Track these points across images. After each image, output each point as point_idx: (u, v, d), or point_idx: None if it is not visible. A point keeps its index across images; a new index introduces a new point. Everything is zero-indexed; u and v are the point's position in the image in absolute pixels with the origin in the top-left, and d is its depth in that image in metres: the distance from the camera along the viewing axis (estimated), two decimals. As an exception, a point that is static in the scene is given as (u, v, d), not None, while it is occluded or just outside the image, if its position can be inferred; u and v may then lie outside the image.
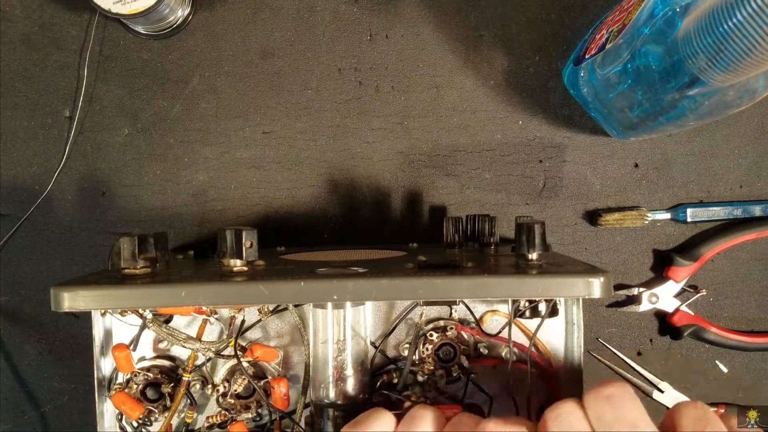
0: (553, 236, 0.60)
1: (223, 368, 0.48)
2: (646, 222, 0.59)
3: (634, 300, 0.60)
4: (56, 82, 0.59)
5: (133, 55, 0.59)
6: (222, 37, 0.59)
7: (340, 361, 0.45)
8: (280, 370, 0.48)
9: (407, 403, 0.45)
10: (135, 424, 0.47)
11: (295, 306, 0.47)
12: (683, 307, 0.60)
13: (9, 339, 0.59)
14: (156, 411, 0.46)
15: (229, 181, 0.60)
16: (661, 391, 0.59)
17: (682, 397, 0.59)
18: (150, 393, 0.47)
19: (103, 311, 0.46)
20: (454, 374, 0.47)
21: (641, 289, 0.60)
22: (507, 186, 0.60)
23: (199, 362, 0.47)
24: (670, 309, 0.60)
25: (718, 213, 0.59)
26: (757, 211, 0.59)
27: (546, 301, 0.45)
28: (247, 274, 0.40)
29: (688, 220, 0.59)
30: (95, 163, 0.59)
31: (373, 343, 0.48)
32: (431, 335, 0.47)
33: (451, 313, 0.49)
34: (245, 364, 0.46)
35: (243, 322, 0.47)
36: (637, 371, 0.59)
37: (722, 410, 0.59)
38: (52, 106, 0.59)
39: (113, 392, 0.45)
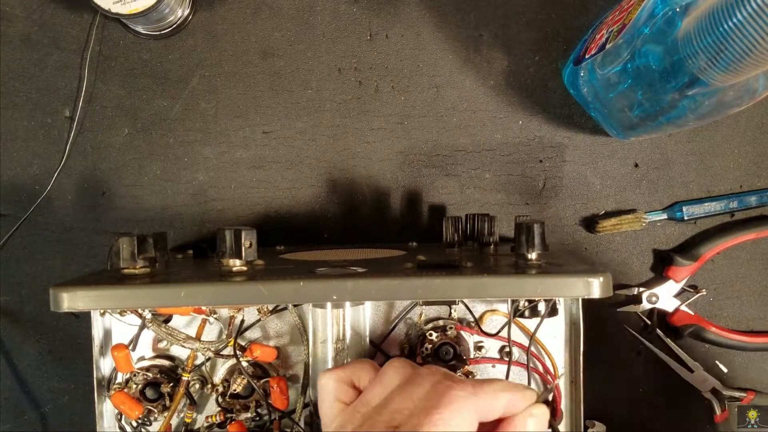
0: (553, 236, 0.60)
1: (222, 368, 0.48)
2: (644, 225, 0.59)
3: (634, 300, 0.60)
4: (56, 82, 0.59)
5: (133, 55, 0.59)
6: (222, 37, 0.59)
7: (339, 360, 0.45)
8: (280, 370, 0.48)
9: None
10: (134, 424, 0.47)
11: (295, 306, 0.47)
12: (683, 307, 0.60)
13: (9, 339, 0.59)
14: (155, 411, 0.46)
15: (229, 181, 0.60)
16: (691, 371, 0.59)
17: (711, 379, 0.59)
18: (149, 393, 0.47)
19: (102, 311, 0.46)
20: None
21: (641, 289, 0.60)
22: (507, 186, 0.60)
23: (198, 362, 0.47)
24: (670, 309, 0.60)
25: (715, 207, 0.59)
26: (753, 201, 0.59)
27: (545, 300, 0.45)
28: (246, 274, 0.40)
29: (685, 218, 0.59)
30: (95, 163, 0.59)
31: (372, 343, 0.48)
32: (431, 335, 0.47)
33: (450, 313, 0.49)
34: (244, 364, 0.46)
35: (242, 321, 0.47)
36: (670, 348, 0.60)
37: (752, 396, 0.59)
38: (52, 106, 0.59)
39: (113, 392, 0.46)
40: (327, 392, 0.38)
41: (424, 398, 0.34)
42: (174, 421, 0.47)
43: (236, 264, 0.40)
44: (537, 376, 0.48)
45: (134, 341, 0.47)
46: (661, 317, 0.60)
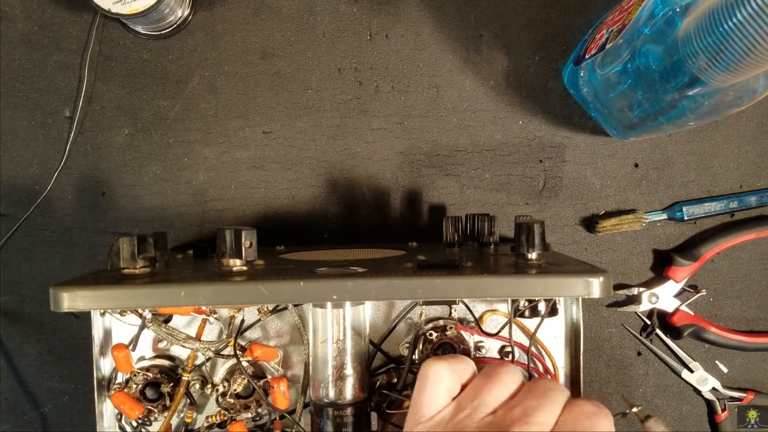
0: (553, 236, 0.60)
1: (222, 368, 0.48)
2: (644, 225, 0.59)
3: (634, 300, 0.60)
4: (56, 82, 0.59)
5: (133, 55, 0.59)
6: (222, 37, 0.59)
7: (339, 360, 0.45)
8: (280, 370, 0.48)
9: (406, 403, 0.45)
10: (134, 424, 0.47)
11: (295, 306, 0.47)
12: (683, 307, 0.60)
13: (9, 339, 0.59)
14: (155, 411, 0.46)
15: (229, 181, 0.60)
16: (691, 371, 0.60)
17: (711, 379, 0.60)
18: (149, 393, 0.47)
19: (102, 311, 0.46)
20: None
21: (641, 289, 0.60)
22: (507, 186, 0.60)
23: (198, 362, 0.47)
24: (670, 309, 0.60)
25: (715, 207, 0.59)
26: (753, 201, 0.59)
27: (545, 300, 0.45)
28: (246, 274, 0.39)
29: (685, 218, 0.59)
30: (95, 163, 0.59)
31: (372, 343, 0.48)
32: (431, 335, 0.47)
33: (450, 313, 0.49)
34: (245, 364, 0.46)
35: (242, 321, 0.47)
36: (670, 349, 0.60)
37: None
38: (52, 106, 0.59)
39: (113, 392, 0.45)
40: (438, 381, 0.38)
41: (570, 419, 0.35)
42: (174, 421, 0.47)
43: (236, 264, 0.40)
44: (537, 377, 0.48)
45: (134, 341, 0.47)
46: (661, 317, 0.60)
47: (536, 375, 0.48)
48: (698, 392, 0.60)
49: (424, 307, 0.48)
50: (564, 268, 0.40)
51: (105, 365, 0.47)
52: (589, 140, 0.60)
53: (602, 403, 0.37)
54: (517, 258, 0.43)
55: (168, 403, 0.46)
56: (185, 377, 0.46)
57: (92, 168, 0.59)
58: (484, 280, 0.38)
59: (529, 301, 0.46)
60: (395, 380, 0.47)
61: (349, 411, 0.44)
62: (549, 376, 0.48)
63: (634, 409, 0.42)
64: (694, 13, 0.38)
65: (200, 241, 0.59)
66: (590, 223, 0.60)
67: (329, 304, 0.45)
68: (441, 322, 0.48)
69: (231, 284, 0.38)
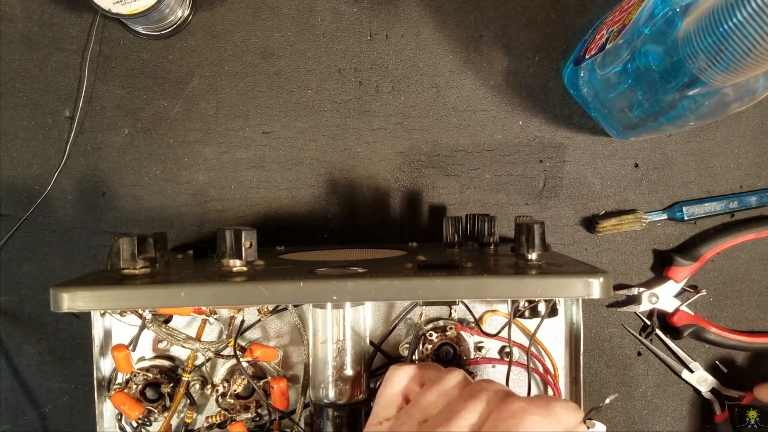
0: (553, 236, 0.60)
1: (222, 368, 0.48)
2: (644, 225, 0.59)
3: (634, 300, 0.60)
4: (56, 82, 0.59)
5: (133, 55, 0.59)
6: (222, 37, 0.59)
7: (339, 361, 0.45)
8: (280, 370, 0.48)
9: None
10: (134, 424, 0.47)
11: (295, 306, 0.47)
12: (683, 307, 0.60)
13: (9, 339, 0.59)
14: (155, 411, 0.46)
15: (229, 181, 0.60)
16: (691, 371, 0.60)
17: (711, 379, 0.60)
18: (149, 393, 0.47)
19: (102, 311, 0.46)
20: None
21: (641, 289, 0.60)
22: (507, 186, 0.60)
23: (198, 362, 0.48)
24: (670, 309, 0.60)
25: (715, 207, 0.59)
26: (753, 201, 0.59)
27: (545, 301, 0.45)
28: (246, 275, 0.39)
29: (686, 218, 0.59)
30: (95, 163, 0.59)
31: (372, 343, 0.48)
32: (431, 335, 0.47)
33: (450, 313, 0.49)
34: (245, 364, 0.47)
35: (242, 322, 0.47)
36: (670, 349, 0.60)
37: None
38: (52, 106, 0.59)
39: (113, 392, 0.46)
40: (396, 383, 0.39)
41: (498, 418, 0.34)
42: (174, 422, 0.47)
43: (236, 264, 0.40)
44: (537, 377, 0.48)
45: (134, 341, 0.47)
46: (661, 317, 0.60)
47: (536, 375, 0.48)
48: (698, 392, 0.60)
49: (424, 307, 0.48)
50: (564, 268, 0.40)
51: (105, 365, 0.47)
52: (589, 140, 0.60)
53: (576, 403, 0.37)
54: (517, 258, 0.43)
55: (168, 403, 0.46)
56: (185, 378, 0.46)
57: (92, 168, 0.59)
58: (484, 281, 0.38)
59: (529, 302, 0.46)
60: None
61: (349, 411, 0.44)
62: (549, 377, 0.48)
63: (608, 400, 0.43)
64: (694, 13, 0.38)
65: (200, 241, 0.59)
66: (590, 223, 0.60)
67: (329, 305, 0.45)
68: (441, 323, 0.48)
69: (231, 285, 0.38)
